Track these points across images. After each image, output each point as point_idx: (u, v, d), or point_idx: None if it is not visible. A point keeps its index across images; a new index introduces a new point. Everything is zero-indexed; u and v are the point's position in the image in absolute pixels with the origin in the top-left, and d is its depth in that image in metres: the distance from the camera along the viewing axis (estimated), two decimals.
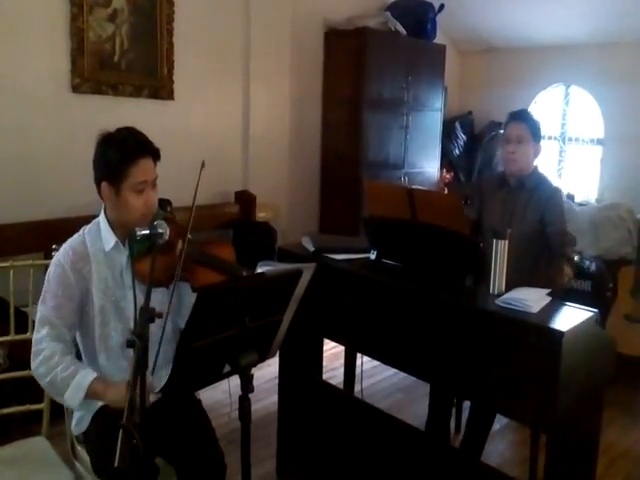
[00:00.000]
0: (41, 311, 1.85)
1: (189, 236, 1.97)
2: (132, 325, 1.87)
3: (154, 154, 1.89)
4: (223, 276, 1.88)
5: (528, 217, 2.75)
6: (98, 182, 1.88)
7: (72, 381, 1.77)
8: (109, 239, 1.91)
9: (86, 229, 1.95)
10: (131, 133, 1.89)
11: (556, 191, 2.84)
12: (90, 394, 1.77)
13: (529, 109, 3.03)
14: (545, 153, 6.07)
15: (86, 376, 1.78)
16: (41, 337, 1.83)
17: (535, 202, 2.76)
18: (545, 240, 2.77)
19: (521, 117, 2.87)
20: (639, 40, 5.12)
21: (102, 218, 1.94)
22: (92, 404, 1.93)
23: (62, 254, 1.88)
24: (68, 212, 3.48)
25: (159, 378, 1.86)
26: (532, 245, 2.70)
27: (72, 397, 1.77)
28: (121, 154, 1.82)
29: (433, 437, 2.68)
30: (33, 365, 1.82)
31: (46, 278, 1.88)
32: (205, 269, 1.88)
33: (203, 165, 1.78)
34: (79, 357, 1.98)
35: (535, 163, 2.87)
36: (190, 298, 1.94)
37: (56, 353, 1.80)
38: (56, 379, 1.78)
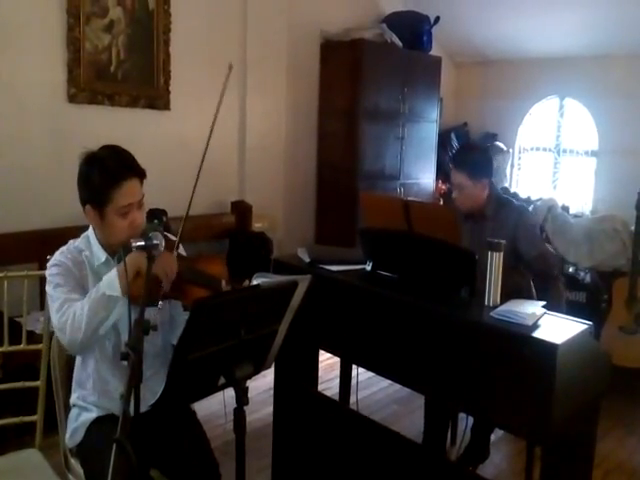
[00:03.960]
0: (58, 299, 1.78)
1: (181, 252, 1.97)
2: (124, 339, 1.86)
3: (139, 174, 1.83)
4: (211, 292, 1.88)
5: None
6: (83, 204, 1.84)
7: (100, 284, 1.72)
8: (100, 255, 1.89)
9: (75, 242, 1.92)
10: (114, 153, 1.83)
11: (521, 214, 2.76)
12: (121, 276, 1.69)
13: (471, 144, 2.90)
14: (540, 164, 6.12)
15: (111, 273, 1.72)
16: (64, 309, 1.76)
17: (501, 231, 2.62)
18: (527, 268, 2.72)
19: (456, 164, 2.79)
20: (633, 53, 5.17)
21: (91, 233, 1.91)
22: (85, 417, 1.92)
23: (60, 256, 1.85)
24: (63, 222, 3.47)
25: (151, 391, 1.87)
26: (507, 272, 2.64)
27: (110, 285, 1.71)
28: (104, 177, 1.77)
29: (429, 450, 2.67)
30: (57, 329, 1.76)
31: (48, 281, 1.82)
32: (196, 287, 1.86)
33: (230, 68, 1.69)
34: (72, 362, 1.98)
35: (486, 192, 2.76)
36: (183, 317, 1.94)
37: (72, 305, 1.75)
38: (83, 310, 1.71)
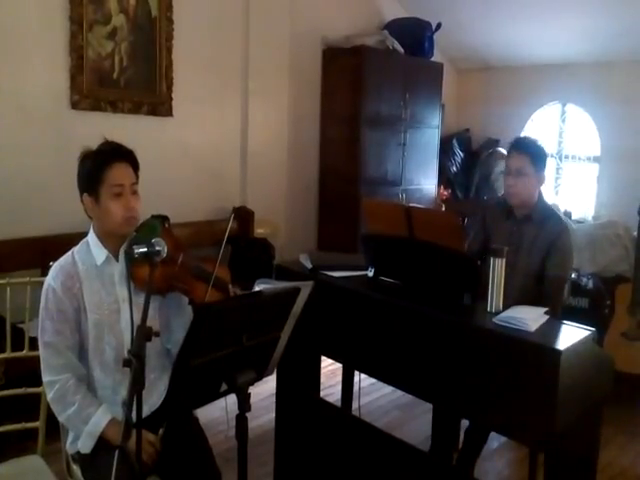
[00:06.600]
0: (43, 339, 1.85)
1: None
2: (126, 339, 1.89)
3: (129, 159, 1.90)
4: (218, 293, 1.97)
5: (535, 253, 2.61)
6: (81, 195, 1.89)
7: (84, 428, 1.82)
8: (100, 254, 1.91)
9: (75, 249, 1.95)
10: (107, 143, 1.92)
11: (564, 231, 2.64)
12: (103, 438, 1.81)
13: (530, 135, 2.77)
14: None
15: (99, 423, 1.81)
16: (50, 367, 1.85)
17: (542, 238, 2.61)
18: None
19: (521, 147, 2.68)
20: (635, 59, 5.18)
21: (90, 235, 1.94)
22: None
23: (52, 277, 1.88)
24: (65, 228, 3.47)
25: (152, 395, 1.88)
26: (537, 280, 2.60)
27: (84, 444, 1.83)
28: (96, 161, 1.85)
29: (432, 456, 2.66)
30: (48, 397, 1.86)
31: (41, 305, 1.87)
32: (202, 284, 1.94)
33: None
34: None
35: (539, 191, 2.72)
36: (180, 320, 1.98)
37: (68, 390, 1.83)
38: (69, 421, 1.85)
